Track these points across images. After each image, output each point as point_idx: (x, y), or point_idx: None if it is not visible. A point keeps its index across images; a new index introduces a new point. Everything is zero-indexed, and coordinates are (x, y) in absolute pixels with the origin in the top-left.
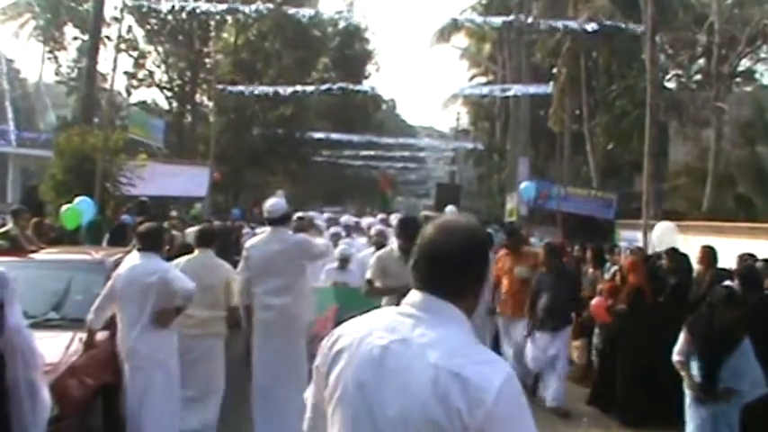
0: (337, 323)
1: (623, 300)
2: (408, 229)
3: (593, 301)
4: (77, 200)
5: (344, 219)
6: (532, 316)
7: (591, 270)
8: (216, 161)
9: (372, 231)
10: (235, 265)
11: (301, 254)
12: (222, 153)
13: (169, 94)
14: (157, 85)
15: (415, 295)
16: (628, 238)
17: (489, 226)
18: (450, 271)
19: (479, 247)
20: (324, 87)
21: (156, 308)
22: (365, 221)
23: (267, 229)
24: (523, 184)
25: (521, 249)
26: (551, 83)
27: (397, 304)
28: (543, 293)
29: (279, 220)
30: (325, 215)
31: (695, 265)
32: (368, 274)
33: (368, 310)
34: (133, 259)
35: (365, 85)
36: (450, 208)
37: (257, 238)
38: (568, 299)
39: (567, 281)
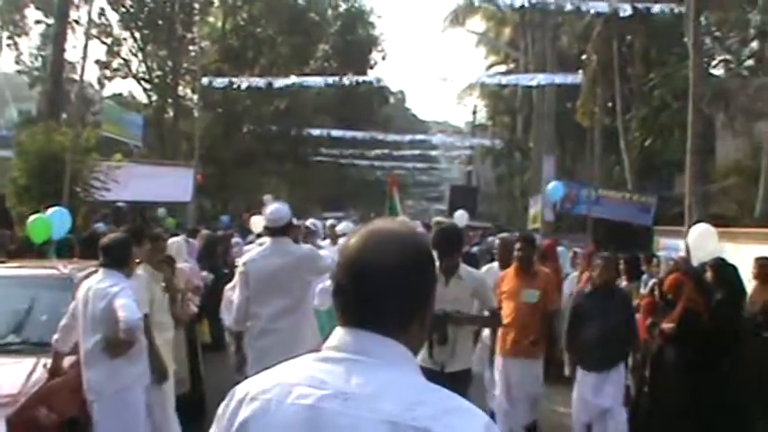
0: None
1: (673, 321)
2: (451, 243)
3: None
4: (51, 210)
5: (342, 226)
6: (573, 351)
7: (625, 283)
8: (201, 162)
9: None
10: (223, 279)
11: (309, 268)
12: (208, 153)
13: (148, 86)
14: (134, 76)
15: (340, 334)
16: (668, 247)
17: (509, 234)
18: (385, 295)
19: (422, 259)
20: (323, 78)
21: (108, 336)
22: None
23: (267, 240)
24: (551, 185)
25: (532, 267)
26: (580, 71)
27: (429, 338)
28: (589, 321)
29: (281, 230)
30: (328, 222)
31: (748, 281)
32: None
33: None
34: (96, 277)
35: (370, 76)
36: (459, 213)
37: (256, 252)
38: (623, 326)
39: (620, 303)
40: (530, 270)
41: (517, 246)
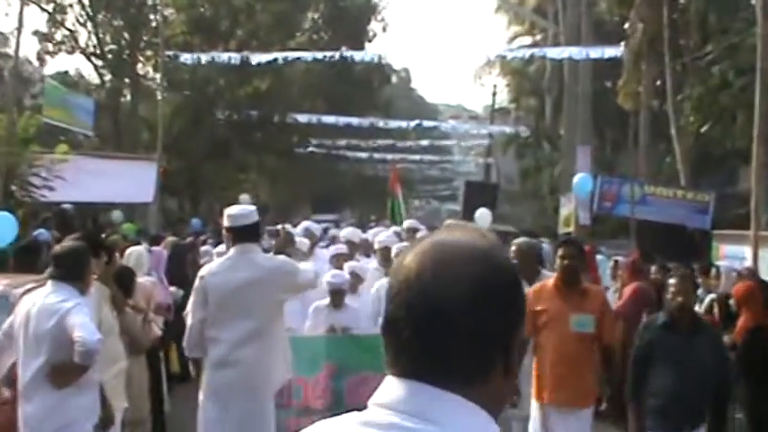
0: (335, 390)
1: (736, 340)
2: (531, 268)
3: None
4: None
5: (347, 232)
6: (640, 406)
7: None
8: (166, 154)
9: (394, 251)
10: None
11: (282, 284)
12: (174, 143)
13: (99, 62)
14: (82, 51)
15: (391, 386)
16: (730, 255)
17: (537, 241)
18: (453, 336)
19: (506, 287)
20: (312, 54)
21: (54, 360)
22: (375, 235)
23: (231, 248)
24: (577, 177)
25: (580, 283)
26: (622, 43)
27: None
28: (664, 364)
29: (247, 235)
30: (319, 226)
31: None
32: None
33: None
34: (43, 291)
35: (368, 50)
36: (481, 213)
37: (217, 262)
38: (712, 373)
39: (707, 341)
40: (578, 287)
41: (560, 253)
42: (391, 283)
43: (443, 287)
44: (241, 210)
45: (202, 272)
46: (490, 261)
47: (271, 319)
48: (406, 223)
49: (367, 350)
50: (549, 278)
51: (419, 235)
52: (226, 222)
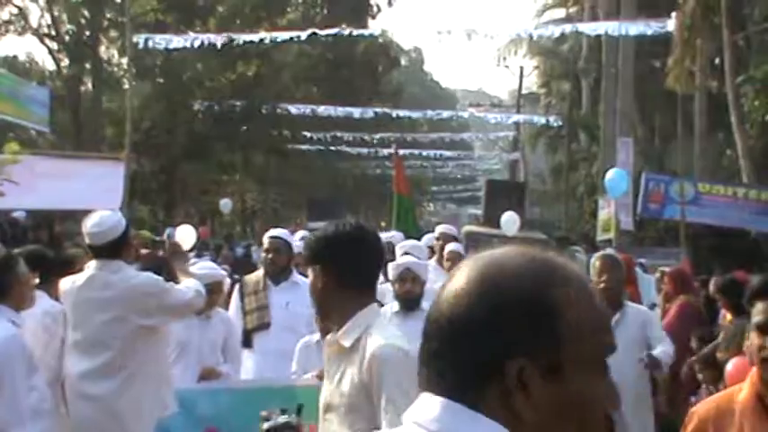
0: None
1: None
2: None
3: (733, 363)
4: None
5: (453, 247)
6: None
7: (728, 319)
8: (136, 153)
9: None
10: None
11: (138, 308)
12: (145, 140)
13: (55, 45)
14: (35, 32)
15: (426, 403)
16: None
17: (574, 248)
18: (448, 351)
19: (504, 308)
20: (306, 33)
21: None
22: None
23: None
24: (610, 173)
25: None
26: (672, 15)
27: None
28: None
29: (107, 248)
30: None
31: None
32: None
33: None
34: None
35: (372, 28)
36: (508, 217)
37: (70, 280)
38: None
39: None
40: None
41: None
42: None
43: (453, 302)
44: (97, 223)
45: (61, 290)
46: (501, 275)
47: (127, 350)
48: (440, 229)
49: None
50: None
51: (452, 248)
52: (86, 238)
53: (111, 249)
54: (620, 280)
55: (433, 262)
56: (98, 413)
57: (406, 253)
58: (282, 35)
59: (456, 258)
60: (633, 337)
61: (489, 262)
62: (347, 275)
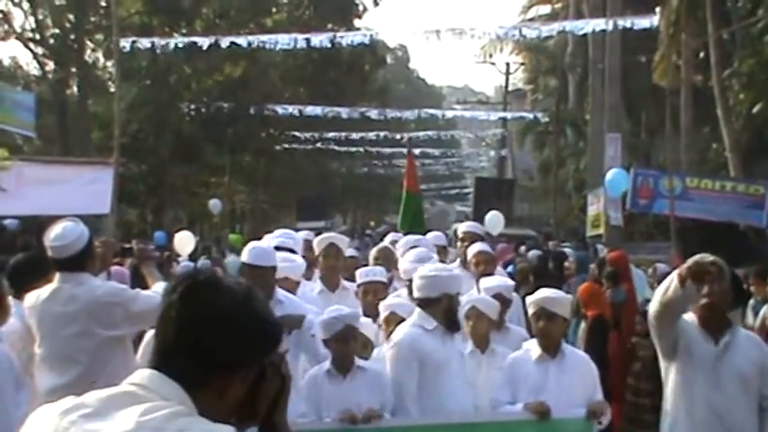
0: None
1: None
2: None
3: None
4: None
5: (391, 237)
6: None
7: None
8: (123, 157)
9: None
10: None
11: (104, 319)
12: (133, 143)
13: (40, 50)
14: (18, 36)
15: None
16: None
17: (563, 245)
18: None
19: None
20: (293, 34)
21: None
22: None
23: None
24: (610, 173)
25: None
26: (657, 10)
27: None
28: None
29: (71, 261)
30: (301, 235)
31: None
32: None
33: None
34: None
35: (359, 27)
36: (491, 216)
37: (35, 294)
38: None
39: None
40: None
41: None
42: None
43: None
44: (61, 234)
45: (26, 304)
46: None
47: (94, 365)
48: (463, 228)
49: None
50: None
51: (479, 248)
52: (48, 250)
53: (76, 262)
54: (726, 292)
55: (456, 265)
56: None
57: (413, 246)
58: (269, 38)
59: (488, 261)
60: (746, 367)
61: None
62: None
